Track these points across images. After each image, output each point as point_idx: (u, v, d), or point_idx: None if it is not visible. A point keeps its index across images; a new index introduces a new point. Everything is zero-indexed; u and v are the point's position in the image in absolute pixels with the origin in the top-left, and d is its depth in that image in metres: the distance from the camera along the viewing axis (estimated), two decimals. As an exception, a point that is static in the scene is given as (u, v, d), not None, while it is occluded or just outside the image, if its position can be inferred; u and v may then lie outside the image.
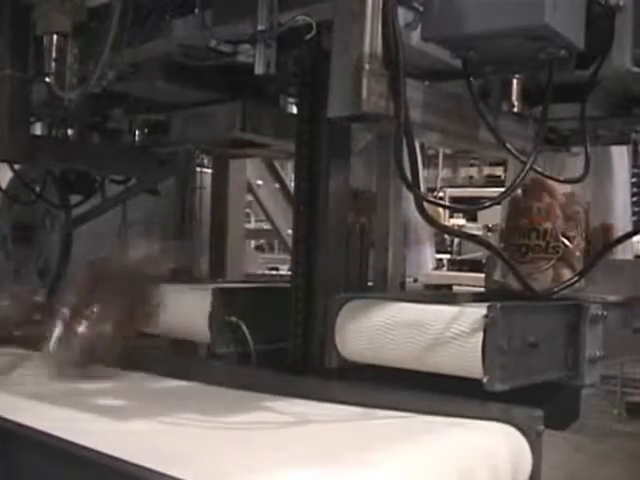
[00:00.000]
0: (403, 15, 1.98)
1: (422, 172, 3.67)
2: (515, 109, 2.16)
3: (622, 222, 3.45)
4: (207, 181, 4.59)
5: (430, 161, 10.59)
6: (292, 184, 5.70)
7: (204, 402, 2.46)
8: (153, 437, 2.04)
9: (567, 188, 2.80)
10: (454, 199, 11.02)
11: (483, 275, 3.60)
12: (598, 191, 3.35)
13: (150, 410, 2.31)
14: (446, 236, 8.74)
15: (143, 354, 2.94)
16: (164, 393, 2.63)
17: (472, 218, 9.84)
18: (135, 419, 2.20)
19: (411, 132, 1.93)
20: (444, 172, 12.19)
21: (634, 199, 4.05)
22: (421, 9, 2.00)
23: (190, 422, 2.18)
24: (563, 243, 2.75)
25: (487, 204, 2.14)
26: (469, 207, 7.31)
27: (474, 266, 8.03)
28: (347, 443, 2.01)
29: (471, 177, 12.95)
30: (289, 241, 5.81)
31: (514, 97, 2.15)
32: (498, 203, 2.34)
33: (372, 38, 1.91)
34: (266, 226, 8.16)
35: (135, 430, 2.10)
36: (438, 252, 7.32)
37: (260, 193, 6.38)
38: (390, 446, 1.93)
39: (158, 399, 2.54)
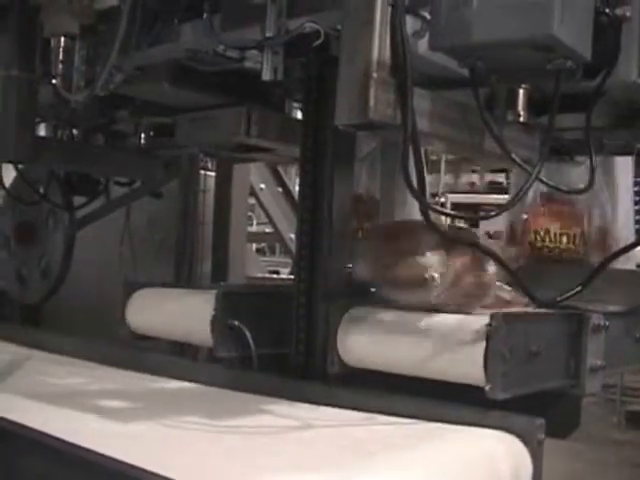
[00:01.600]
0: (411, 24, 1.98)
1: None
2: (521, 119, 2.16)
3: (624, 231, 3.45)
4: (210, 184, 4.60)
5: (433, 167, 10.59)
6: (295, 188, 5.71)
7: (205, 405, 2.47)
8: (154, 439, 2.05)
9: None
10: (456, 205, 11.02)
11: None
12: (600, 199, 3.34)
13: (151, 412, 2.32)
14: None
15: (145, 356, 2.95)
16: (165, 396, 2.64)
17: (474, 224, 9.84)
18: (136, 421, 2.21)
19: (418, 140, 1.93)
20: (446, 178, 12.19)
21: (637, 207, 4.04)
22: (429, 18, 2.00)
23: (191, 425, 2.18)
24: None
25: (492, 214, 2.14)
26: (473, 216, 7.31)
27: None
28: (347, 448, 2.01)
29: (473, 183, 12.94)
30: (291, 244, 5.82)
31: (520, 107, 2.14)
32: (502, 212, 2.34)
33: (380, 46, 1.91)
34: (268, 229, 8.16)
35: (136, 432, 2.11)
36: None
37: (263, 197, 6.38)
38: (390, 452, 1.94)
39: (159, 401, 2.55)
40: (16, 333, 3.40)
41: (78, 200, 3.93)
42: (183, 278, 4.33)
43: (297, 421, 2.27)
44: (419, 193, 1.95)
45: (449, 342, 2.18)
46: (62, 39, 2.56)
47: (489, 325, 2.09)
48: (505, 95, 2.18)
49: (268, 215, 6.55)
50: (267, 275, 8.67)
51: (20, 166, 3.78)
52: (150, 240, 4.45)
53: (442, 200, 11.04)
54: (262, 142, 3.20)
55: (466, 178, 12.99)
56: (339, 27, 2.12)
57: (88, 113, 3.32)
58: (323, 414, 2.32)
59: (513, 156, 2.13)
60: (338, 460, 1.89)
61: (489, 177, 12.47)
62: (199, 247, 4.47)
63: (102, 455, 1.75)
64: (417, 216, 2.20)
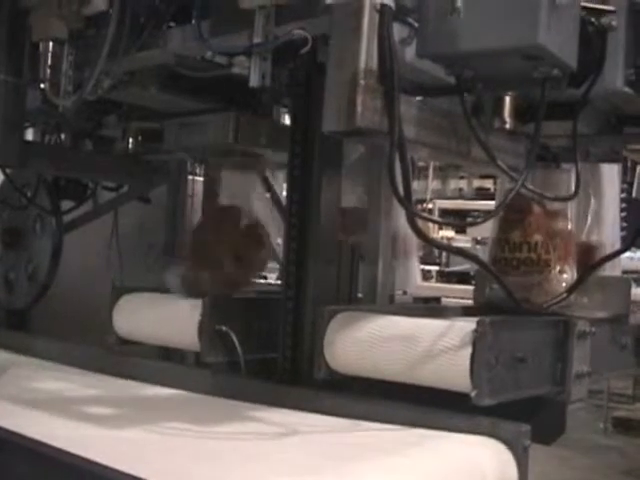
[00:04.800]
0: (398, 31, 1.99)
1: (412, 184, 3.66)
2: (507, 126, 2.17)
3: (611, 238, 3.46)
4: (198, 189, 4.59)
5: (420, 173, 10.59)
6: (283, 194, 5.71)
7: (192, 411, 2.47)
8: (142, 445, 2.05)
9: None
10: (443, 211, 11.04)
11: (472, 287, 3.60)
12: (586, 207, 3.35)
13: (139, 418, 2.31)
14: (435, 248, 8.74)
15: (133, 362, 2.94)
16: (153, 401, 2.64)
17: (461, 230, 9.88)
18: (124, 427, 2.21)
19: (404, 147, 1.94)
20: (434, 184, 12.20)
21: (622, 214, 4.05)
22: (416, 25, 2.01)
23: (178, 431, 2.19)
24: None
25: (479, 220, 2.14)
26: (461, 223, 7.34)
27: (462, 278, 8.07)
28: (333, 454, 2.02)
29: (461, 189, 12.96)
30: (278, 250, 5.82)
31: (506, 114, 2.16)
32: (488, 220, 2.35)
33: (368, 53, 1.92)
34: (255, 234, 8.14)
35: (124, 438, 2.11)
36: (426, 264, 7.33)
37: (250, 202, 6.37)
38: (376, 458, 1.94)
39: (147, 407, 2.54)
40: (3, 338, 3.39)
41: (66, 204, 3.92)
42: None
43: (283, 427, 2.27)
44: (405, 200, 1.95)
45: (435, 348, 2.18)
46: (50, 44, 2.55)
47: (475, 331, 2.10)
48: (492, 102, 2.19)
49: (256, 220, 6.54)
50: (255, 280, 8.64)
51: (8, 170, 3.77)
52: (138, 245, 4.44)
53: (430, 206, 11.05)
54: (250, 148, 3.20)
55: (454, 184, 13.01)
56: (327, 34, 2.12)
57: (76, 118, 3.32)
58: (310, 420, 2.32)
59: (499, 163, 2.14)
60: (323, 466, 1.89)
61: (477, 183, 12.50)
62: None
63: (90, 461, 1.75)
64: (404, 224, 2.21)
